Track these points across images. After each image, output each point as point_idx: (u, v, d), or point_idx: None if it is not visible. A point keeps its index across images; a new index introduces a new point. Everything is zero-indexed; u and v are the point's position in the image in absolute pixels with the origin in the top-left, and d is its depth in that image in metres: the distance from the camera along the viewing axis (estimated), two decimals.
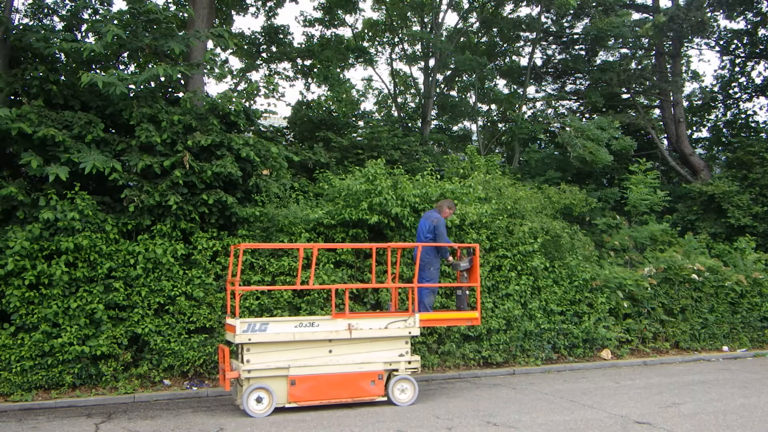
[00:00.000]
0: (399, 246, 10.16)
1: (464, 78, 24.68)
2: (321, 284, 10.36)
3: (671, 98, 21.59)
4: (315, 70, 22.01)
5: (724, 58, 24.53)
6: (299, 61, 22.09)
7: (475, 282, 9.42)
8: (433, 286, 9.51)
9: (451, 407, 8.54)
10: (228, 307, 8.90)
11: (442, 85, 24.68)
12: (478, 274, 9.45)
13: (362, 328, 8.54)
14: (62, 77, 10.97)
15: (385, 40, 25.10)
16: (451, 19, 37.70)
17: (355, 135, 18.53)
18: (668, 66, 22.02)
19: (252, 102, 13.69)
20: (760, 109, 46.56)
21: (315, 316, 10.01)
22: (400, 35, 24.37)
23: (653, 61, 22.92)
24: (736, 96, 24.70)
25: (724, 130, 24.99)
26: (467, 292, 9.65)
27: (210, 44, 13.29)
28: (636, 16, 22.84)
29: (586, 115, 22.97)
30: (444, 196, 11.59)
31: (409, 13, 23.60)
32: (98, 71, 11.41)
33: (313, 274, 9.20)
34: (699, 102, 25.34)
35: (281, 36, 21.12)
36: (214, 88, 61.10)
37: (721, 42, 23.80)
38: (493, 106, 25.68)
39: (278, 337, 8.21)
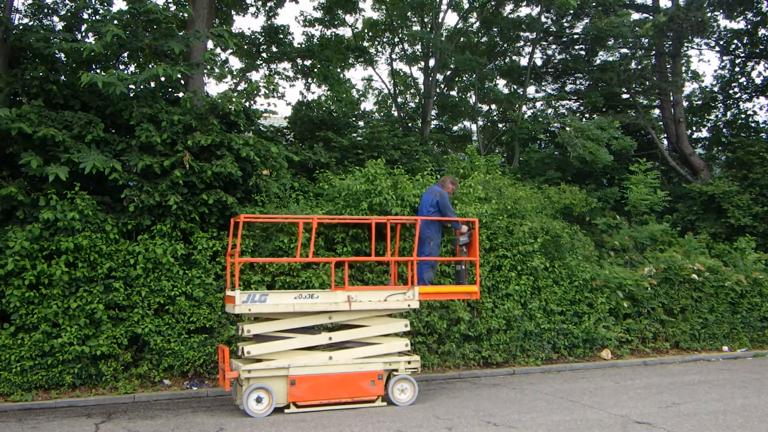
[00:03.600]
0: (399, 220, 9.91)
1: (464, 78, 24.64)
2: (321, 284, 10.39)
3: (671, 98, 21.58)
4: (315, 70, 21.98)
5: (724, 58, 24.54)
6: (299, 61, 22.04)
7: (474, 257, 9.42)
8: (433, 260, 9.49)
9: (451, 407, 8.54)
10: (228, 281, 8.87)
11: (442, 85, 24.65)
12: (478, 249, 9.46)
13: (362, 300, 8.56)
14: (62, 77, 10.98)
15: (385, 40, 25.07)
16: (451, 19, 37.76)
17: (355, 135, 18.51)
18: (668, 66, 22.01)
19: (252, 102, 13.71)
20: (760, 109, 46.59)
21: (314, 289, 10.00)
22: (400, 35, 24.34)
23: (653, 61, 22.91)
24: (736, 96, 24.70)
25: (724, 130, 24.98)
26: (466, 267, 9.65)
27: (210, 44, 13.28)
28: (636, 16, 22.81)
29: (586, 115, 22.94)
30: None
31: (409, 13, 23.57)
32: (98, 71, 11.41)
33: (313, 246, 9.19)
34: (699, 102, 25.32)
35: (281, 36, 21.06)
36: (214, 88, 61.04)
37: (721, 42, 23.80)
38: (493, 106, 25.64)
39: (278, 308, 8.23)
